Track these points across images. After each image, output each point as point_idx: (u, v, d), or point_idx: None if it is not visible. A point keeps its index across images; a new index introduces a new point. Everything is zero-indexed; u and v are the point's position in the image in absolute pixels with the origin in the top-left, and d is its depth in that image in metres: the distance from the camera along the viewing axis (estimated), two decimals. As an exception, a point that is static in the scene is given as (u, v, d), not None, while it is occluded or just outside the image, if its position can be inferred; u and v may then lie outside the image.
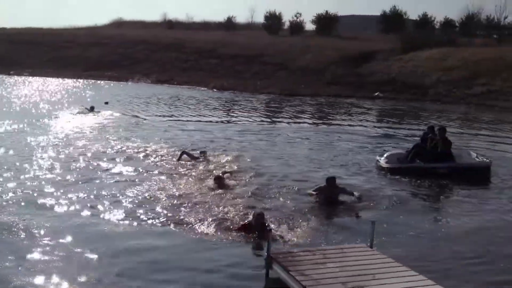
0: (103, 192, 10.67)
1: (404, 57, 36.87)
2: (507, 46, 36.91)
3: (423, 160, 13.09)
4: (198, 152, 14.20)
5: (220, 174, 11.76)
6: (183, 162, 13.56)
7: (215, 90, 37.34)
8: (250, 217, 8.73)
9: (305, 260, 6.80)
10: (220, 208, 9.72)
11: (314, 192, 10.60)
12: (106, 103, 26.74)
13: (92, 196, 10.40)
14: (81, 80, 42.15)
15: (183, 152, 14.00)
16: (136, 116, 23.44)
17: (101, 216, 9.33)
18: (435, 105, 29.77)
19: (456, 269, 7.49)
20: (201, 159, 13.64)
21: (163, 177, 12.04)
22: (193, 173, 12.43)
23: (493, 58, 32.64)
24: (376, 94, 33.35)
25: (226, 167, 13.01)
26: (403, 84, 33.66)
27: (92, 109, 23.98)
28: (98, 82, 41.65)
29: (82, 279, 6.80)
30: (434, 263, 7.61)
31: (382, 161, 13.40)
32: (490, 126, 22.61)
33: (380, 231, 8.03)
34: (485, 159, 13.05)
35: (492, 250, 8.26)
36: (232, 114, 25.45)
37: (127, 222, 9.05)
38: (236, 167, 13.05)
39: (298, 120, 24.06)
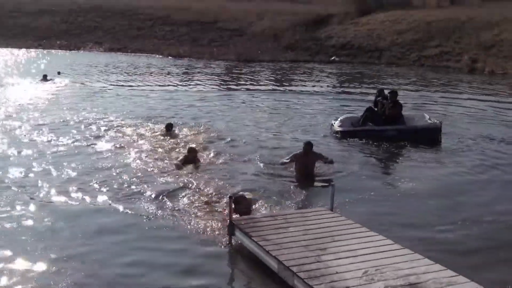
0: (57, 169, 10.23)
1: (360, 20, 36.99)
2: (458, 7, 37.42)
3: (374, 123, 13.27)
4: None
5: (194, 146, 11.18)
6: (148, 135, 12.97)
7: (170, 57, 36.62)
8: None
9: (267, 225, 6.85)
10: (186, 180, 9.57)
11: (287, 161, 10.23)
12: (59, 73, 25.70)
13: (44, 173, 9.98)
14: (31, 50, 40.49)
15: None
16: (98, 84, 22.90)
17: (53, 195, 8.87)
18: (391, 67, 30.15)
19: (416, 228, 7.69)
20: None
21: (128, 152, 11.53)
22: (162, 147, 11.93)
23: (445, 20, 33.09)
24: (332, 58, 33.48)
25: (199, 140, 12.55)
26: (359, 48, 33.86)
27: (45, 78, 23.13)
28: (49, 51, 40.12)
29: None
30: (394, 224, 7.79)
31: (336, 124, 13.62)
32: (444, 87, 23.10)
33: (339, 195, 8.13)
34: (436, 121, 13.28)
35: (450, 210, 8.51)
36: (192, 81, 25.12)
37: (87, 200, 8.66)
38: (202, 138, 12.78)
39: (257, 85, 24.11)
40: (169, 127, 13.08)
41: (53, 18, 48.24)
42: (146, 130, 13.60)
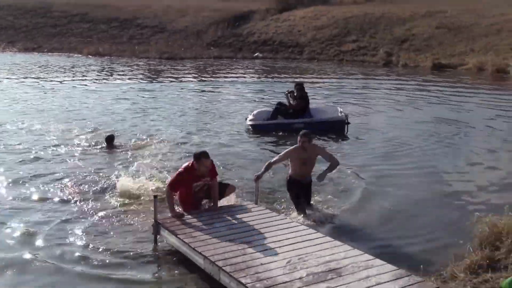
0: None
1: (280, 17, 37.62)
2: (374, 3, 38.93)
3: (284, 116, 13.63)
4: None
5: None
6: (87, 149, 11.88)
7: (90, 56, 35.54)
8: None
9: (193, 223, 6.87)
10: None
11: (277, 159, 7.97)
12: None
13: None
14: None
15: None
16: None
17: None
18: (311, 62, 30.91)
19: (335, 218, 7.95)
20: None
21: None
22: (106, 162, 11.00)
23: (361, 16, 34.41)
24: (255, 54, 33.85)
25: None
26: (281, 44, 34.46)
27: None
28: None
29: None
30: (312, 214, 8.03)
31: (248, 119, 13.97)
32: (361, 80, 23.98)
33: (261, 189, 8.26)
34: (342, 114, 13.69)
35: (359, 197, 8.88)
36: (116, 79, 25.10)
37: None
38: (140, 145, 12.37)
39: (181, 80, 24.50)
40: (110, 140, 11.90)
41: (-41, 17, 45.41)
42: (84, 141, 12.54)
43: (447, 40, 29.48)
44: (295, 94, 13.70)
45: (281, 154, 8.05)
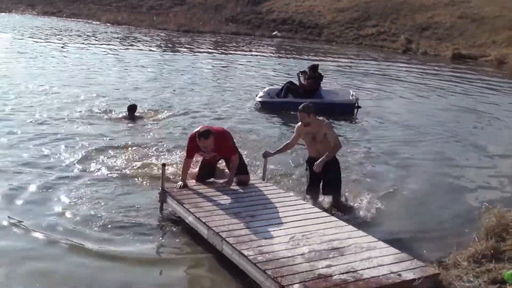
0: None
1: (301, -4, 37.17)
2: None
3: (294, 95, 13.50)
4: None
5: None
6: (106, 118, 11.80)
7: (108, 24, 35.51)
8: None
9: (199, 193, 6.89)
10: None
11: (290, 145, 7.76)
12: None
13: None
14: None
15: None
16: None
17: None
18: (330, 45, 30.59)
19: (342, 202, 7.86)
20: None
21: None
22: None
23: (383, 0, 33.86)
24: (274, 33, 33.58)
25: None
26: (300, 24, 34.12)
27: None
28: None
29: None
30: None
31: (259, 95, 13.94)
32: (378, 66, 23.70)
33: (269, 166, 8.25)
34: (353, 97, 13.62)
35: (364, 179, 8.83)
36: (137, 47, 25.44)
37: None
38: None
39: (200, 53, 24.70)
40: (132, 110, 11.77)
41: (-21, -23, 45.48)
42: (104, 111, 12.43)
43: (469, 30, 28.98)
44: (307, 74, 13.63)
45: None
